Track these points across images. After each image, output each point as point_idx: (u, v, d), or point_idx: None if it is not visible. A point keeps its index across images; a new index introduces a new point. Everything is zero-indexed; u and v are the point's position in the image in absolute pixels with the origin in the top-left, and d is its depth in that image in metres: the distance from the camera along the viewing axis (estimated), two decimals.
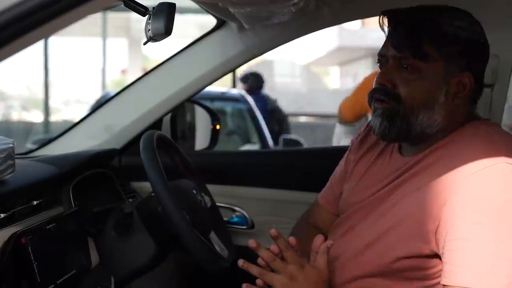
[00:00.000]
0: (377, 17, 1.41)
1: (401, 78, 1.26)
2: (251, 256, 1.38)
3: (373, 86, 1.32)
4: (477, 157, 1.15)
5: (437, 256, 1.18)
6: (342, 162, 1.59)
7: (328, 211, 1.59)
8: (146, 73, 2.04)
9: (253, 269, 1.24)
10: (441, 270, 1.17)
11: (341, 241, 1.37)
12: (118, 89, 2.16)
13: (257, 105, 5.17)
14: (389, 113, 1.27)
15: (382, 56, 1.32)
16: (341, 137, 4.23)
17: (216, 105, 4.81)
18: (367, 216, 1.33)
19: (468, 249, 1.11)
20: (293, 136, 5.49)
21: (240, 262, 1.24)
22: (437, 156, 1.25)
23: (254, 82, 5.83)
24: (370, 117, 3.06)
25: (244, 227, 2.05)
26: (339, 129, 4.30)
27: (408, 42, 1.25)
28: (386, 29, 1.32)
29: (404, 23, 1.27)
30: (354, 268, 1.30)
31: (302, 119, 14.96)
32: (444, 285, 1.14)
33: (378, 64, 1.34)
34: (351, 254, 1.32)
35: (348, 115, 3.74)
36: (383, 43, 1.33)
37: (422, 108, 1.25)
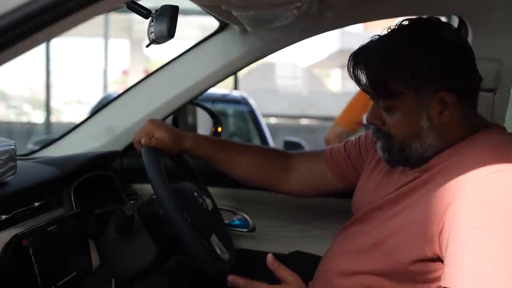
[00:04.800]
0: (379, 21, 1.42)
1: (384, 116, 1.30)
2: (252, 259, 1.39)
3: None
4: (483, 164, 1.15)
5: (439, 260, 1.19)
6: (357, 143, 1.64)
7: (324, 162, 1.66)
8: (148, 75, 2.04)
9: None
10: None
11: (353, 239, 1.40)
12: (119, 90, 2.16)
13: None
14: (386, 147, 1.33)
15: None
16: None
17: (217, 107, 4.82)
18: (379, 216, 1.35)
19: (468, 252, 1.11)
20: (294, 138, 5.49)
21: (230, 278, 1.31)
22: (446, 163, 1.26)
23: None
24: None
25: (245, 230, 2.05)
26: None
27: (372, 86, 1.27)
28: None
29: (363, 67, 1.27)
30: (360, 264, 1.33)
31: (304, 121, 14.96)
32: (443, 287, 1.15)
33: None
34: (360, 250, 1.35)
35: (345, 121, 3.59)
36: None
37: (411, 139, 1.28)
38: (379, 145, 1.36)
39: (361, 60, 1.27)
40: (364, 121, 3.13)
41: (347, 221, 1.48)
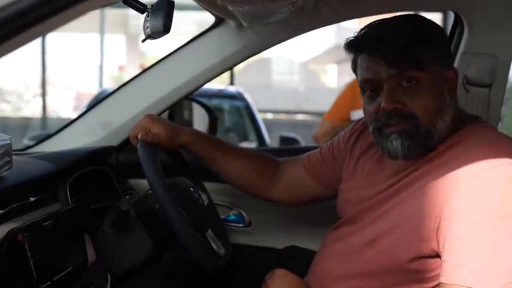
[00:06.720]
0: (376, 16, 1.41)
1: (407, 95, 1.24)
2: (248, 254, 1.39)
3: (376, 111, 1.28)
4: (480, 159, 1.15)
5: (437, 256, 1.19)
6: (331, 147, 1.63)
7: (303, 168, 1.66)
8: (144, 71, 2.04)
9: None
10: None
11: (344, 239, 1.39)
12: (115, 86, 2.16)
13: None
14: (409, 133, 1.25)
15: (372, 80, 1.28)
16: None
17: (213, 102, 4.81)
18: (371, 215, 1.34)
19: (467, 248, 1.11)
20: (290, 134, 5.49)
21: None
22: (440, 158, 1.25)
23: None
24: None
25: (241, 225, 2.05)
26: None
27: (404, 55, 1.23)
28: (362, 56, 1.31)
29: (392, 38, 1.24)
30: (353, 265, 1.32)
31: (300, 117, 14.95)
32: (442, 283, 1.15)
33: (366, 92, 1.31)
34: (352, 250, 1.34)
35: (334, 117, 3.52)
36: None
37: (438, 115, 1.25)
38: (395, 135, 1.25)
39: (386, 36, 1.26)
40: (352, 117, 3.13)
41: (337, 222, 1.47)
